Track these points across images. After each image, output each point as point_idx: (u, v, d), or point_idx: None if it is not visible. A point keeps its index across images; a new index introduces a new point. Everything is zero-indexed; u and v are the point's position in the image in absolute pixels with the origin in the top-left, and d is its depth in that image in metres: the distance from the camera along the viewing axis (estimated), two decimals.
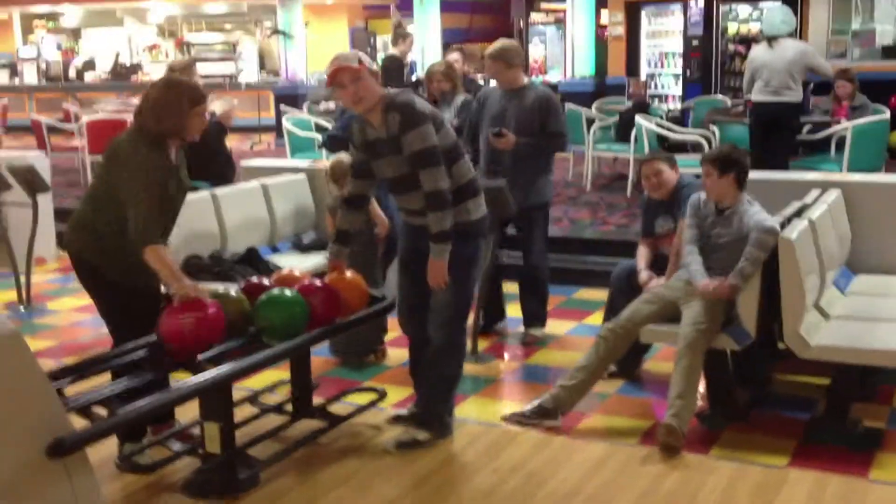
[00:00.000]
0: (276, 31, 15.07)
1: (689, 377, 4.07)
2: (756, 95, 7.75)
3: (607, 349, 4.39)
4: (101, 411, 3.20)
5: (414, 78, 11.00)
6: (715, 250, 4.33)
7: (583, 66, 13.55)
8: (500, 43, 5.44)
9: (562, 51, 15.19)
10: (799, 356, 4.10)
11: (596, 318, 5.69)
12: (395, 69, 8.92)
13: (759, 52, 7.83)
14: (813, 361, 4.14)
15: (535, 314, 5.62)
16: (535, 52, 16.21)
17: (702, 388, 4.30)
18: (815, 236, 4.36)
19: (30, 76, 18.28)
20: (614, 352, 4.43)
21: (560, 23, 15.63)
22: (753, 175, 4.63)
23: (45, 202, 7.24)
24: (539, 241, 5.53)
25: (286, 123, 10.20)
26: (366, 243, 5.14)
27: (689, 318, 4.19)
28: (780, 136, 7.70)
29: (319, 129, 10.18)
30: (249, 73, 17.48)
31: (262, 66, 18.28)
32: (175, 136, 3.79)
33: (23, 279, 6.69)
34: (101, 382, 3.53)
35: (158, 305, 3.80)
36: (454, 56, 7.48)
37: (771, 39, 7.70)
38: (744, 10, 12.98)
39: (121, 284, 3.77)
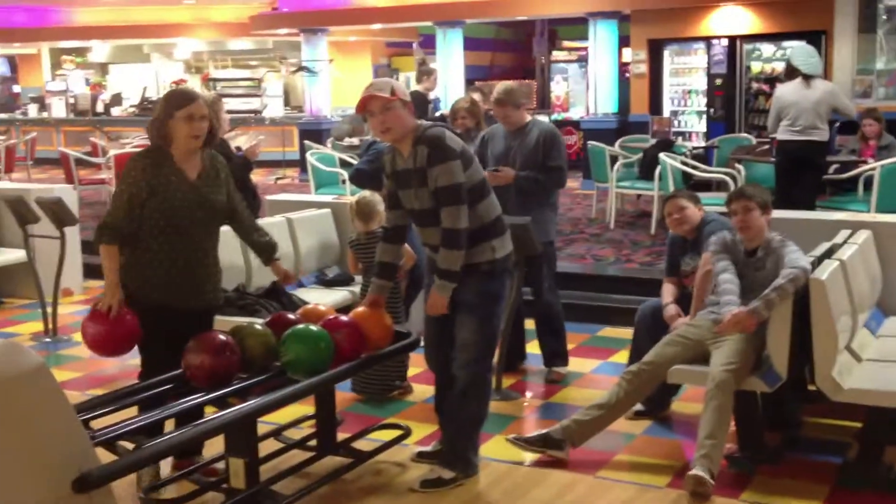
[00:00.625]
0: (300, 68, 15.21)
1: (720, 417, 4.01)
2: (782, 134, 7.71)
3: (627, 391, 4.34)
4: (128, 445, 3.19)
5: (438, 114, 11.05)
6: (751, 292, 4.27)
7: (605, 104, 13.57)
8: (504, 86, 5.48)
9: (584, 88, 15.23)
10: (831, 399, 4.03)
11: (621, 357, 5.64)
12: (419, 105, 8.96)
13: (788, 90, 7.76)
14: (845, 404, 4.08)
15: (555, 352, 5.59)
16: (557, 89, 16.27)
17: (732, 429, 4.24)
18: (846, 277, 4.31)
19: (58, 110, 18.52)
20: (635, 393, 4.38)
21: (582, 60, 15.69)
22: (782, 214, 4.60)
23: (73, 234, 7.31)
24: (549, 277, 5.52)
25: (311, 159, 10.27)
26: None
27: (720, 358, 4.13)
28: (807, 175, 7.65)
29: (343, 164, 10.24)
30: (274, 108, 17.63)
31: (286, 101, 18.44)
32: (169, 144, 3.83)
33: (49, 310, 6.73)
34: (128, 415, 3.52)
35: (156, 327, 3.84)
36: (475, 95, 7.53)
37: (808, 78, 7.62)
38: (767, 48, 12.98)
39: (141, 301, 3.84)
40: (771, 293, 4.06)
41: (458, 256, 3.83)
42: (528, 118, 5.51)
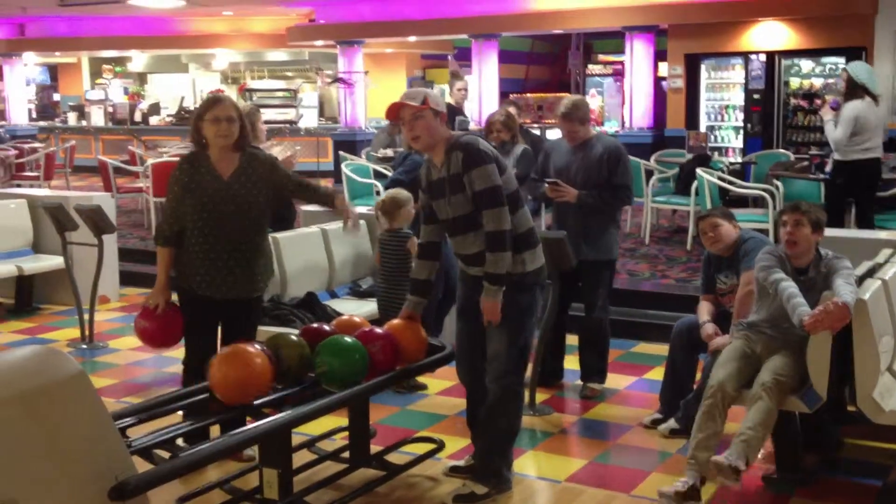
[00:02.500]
0: (336, 79, 15.29)
1: (766, 416, 3.89)
2: (854, 154, 7.44)
3: (717, 416, 4.08)
4: (164, 454, 3.20)
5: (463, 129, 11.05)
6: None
7: (641, 118, 13.51)
8: (570, 101, 5.36)
9: (619, 102, 15.19)
10: (872, 421, 3.96)
11: (656, 374, 5.59)
12: (448, 116, 8.96)
13: (865, 109, 7.39)
14: (886, 426, 4.00)
15: (595, 368, 5.53)
16: (592, 103, 16.24)
17: (770, 450, 4.17)
18: (888, 297, 4.23)
19: (97, 118, 18.74)
20: (721, 417, 4.10)
21: (618, 74, 15.65)
22: (826, 233, 4.50)
23: (110, 242, 7.37)
24: (603, 296, 5.45)
25: (345, 169, 10.30)
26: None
27: (771, 368, 4.05)
28: (867, 193, 7.53)
29: (378, 175, 10.26)
30: (309, 119, 17.73)
31: (321, 112, 18.53)
32: (206, 146, 4.23)
33: (86, 317, 6.79)
34: (164, 424, 3.53)
35: (203, 316, 4.28)
36: (511, 109, 7.52)
37: (874, 97, 7.45)
38: (806, 64, 12.87)
39: (186, 292, 4.29)
40: (853, 296, 3.87)
41: (504, 258, 3.81)
42: (593, 133, 5.42)
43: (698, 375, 4.84)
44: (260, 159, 4.34)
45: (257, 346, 3.75)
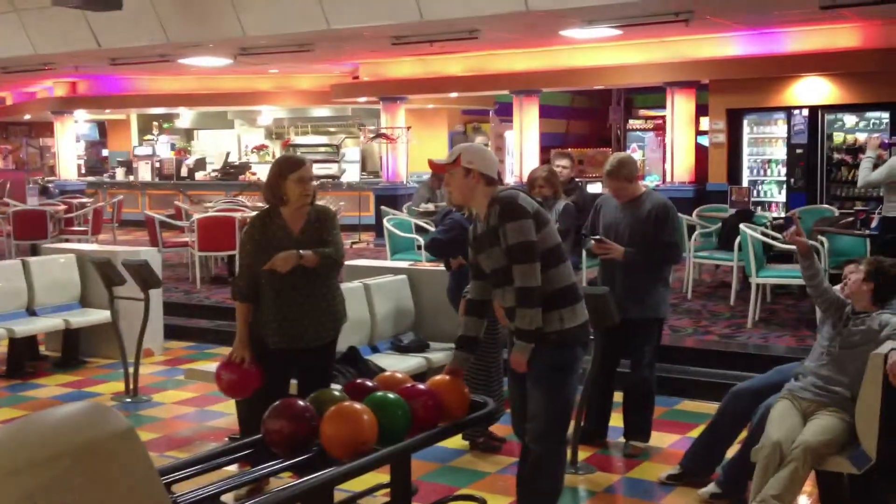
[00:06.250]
0: (378, 135, 15.49)
1: (794, 481, 3.89)
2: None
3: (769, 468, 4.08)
4: None
5: None
6: (846, 347, 4.18)
7: (682, 173, 13.48)
8: (615, 159, 5.34)
9: (660, 157, 15.17)
10: None
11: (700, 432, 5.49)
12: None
13: None
14: None
15: (638, 426, 5.47)
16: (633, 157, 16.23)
17: None
18: None
19: (144, 173, 19.13)
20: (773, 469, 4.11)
21: (659, 129, 15.66)
22: None
23: (156, 296, 7.48)
24: (649, 354, 5.40)
25: (387, 224, 10.38)
26: (484, 350, 5.13)
27: (815, 429, 4.02)
28: None
29: (419, 229, 10.32)
30: (351, 173, 17.94)
31: (363, 167, 18.74)
32: (281, 203, 4.42)
33: (131, 370, 6.86)
34: (209, 480, 3.55)
35: (277, 366, 4.49)
36: (564, 161, 7.54)
37: None
38: (850, 119, 12.79)
39: (263, 343, 4.47)
40: None
41: (532, 315, 3.80)
42: (642, 189, 5.40)
43: (736, 447, 4.74)
44: (325, 212, 4.59)
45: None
